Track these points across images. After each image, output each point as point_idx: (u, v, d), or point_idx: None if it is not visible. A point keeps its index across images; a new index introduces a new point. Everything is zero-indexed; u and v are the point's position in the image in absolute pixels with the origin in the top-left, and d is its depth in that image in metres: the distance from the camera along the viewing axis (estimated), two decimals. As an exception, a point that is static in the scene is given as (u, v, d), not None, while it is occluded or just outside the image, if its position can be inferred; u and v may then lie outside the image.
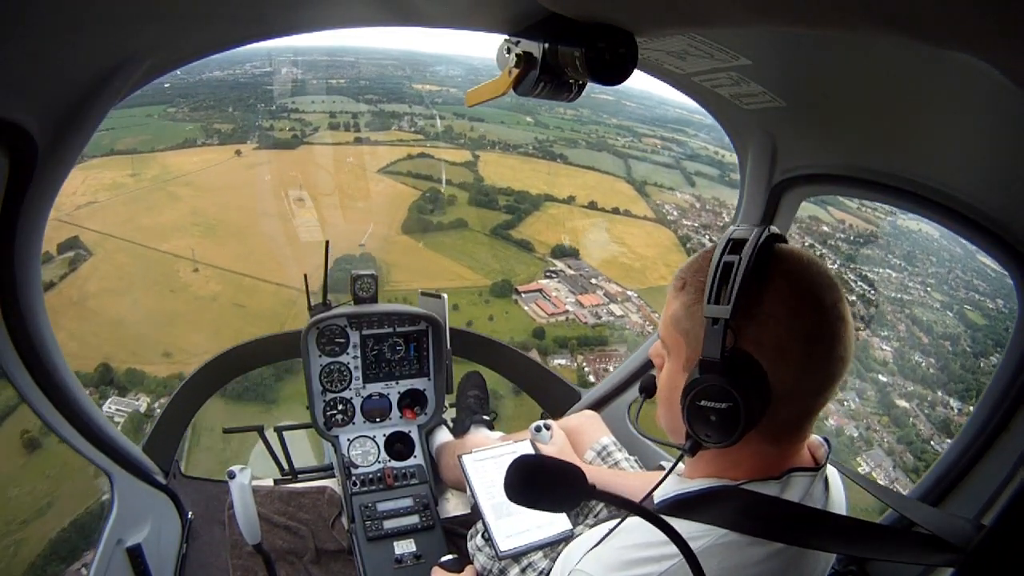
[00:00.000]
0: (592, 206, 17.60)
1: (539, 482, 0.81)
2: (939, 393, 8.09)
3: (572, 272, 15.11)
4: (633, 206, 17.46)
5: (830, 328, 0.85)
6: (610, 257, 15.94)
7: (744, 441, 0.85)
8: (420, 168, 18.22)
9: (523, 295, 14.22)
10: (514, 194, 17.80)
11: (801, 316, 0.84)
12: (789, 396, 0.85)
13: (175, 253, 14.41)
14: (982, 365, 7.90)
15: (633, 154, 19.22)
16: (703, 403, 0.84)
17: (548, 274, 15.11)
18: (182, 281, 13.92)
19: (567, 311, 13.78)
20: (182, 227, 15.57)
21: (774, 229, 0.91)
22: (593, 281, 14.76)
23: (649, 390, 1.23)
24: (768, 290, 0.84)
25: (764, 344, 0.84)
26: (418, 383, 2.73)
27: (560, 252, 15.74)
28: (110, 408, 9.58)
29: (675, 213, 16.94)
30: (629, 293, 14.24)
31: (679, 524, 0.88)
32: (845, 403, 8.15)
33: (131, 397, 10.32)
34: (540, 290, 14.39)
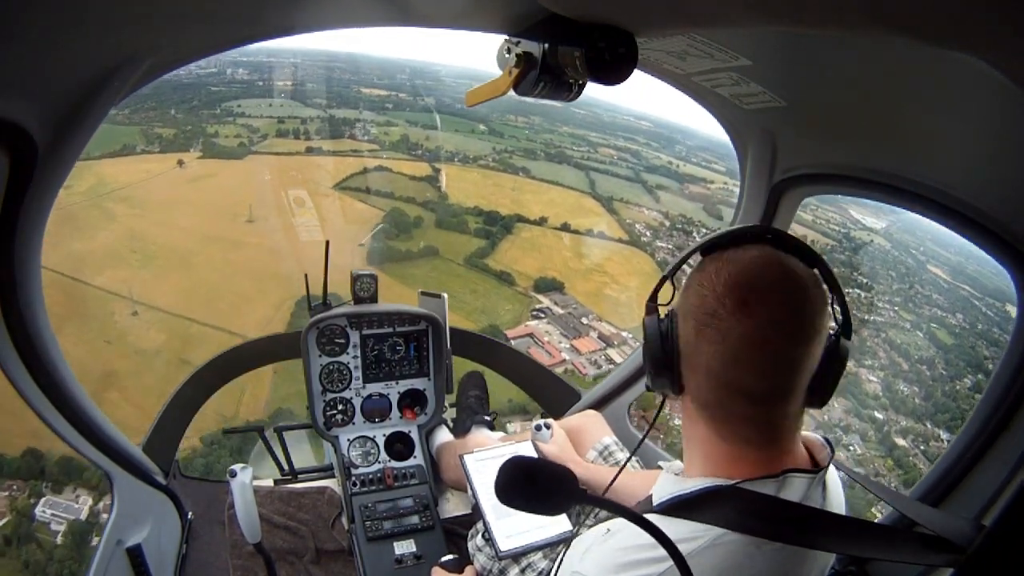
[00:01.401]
0: (566, 227, 16.43)
1: (528, 485, 0.81)
2: (928, 426, 8.05)
3: (561, 311, 13.61)
4: (606, 226, 16.35)
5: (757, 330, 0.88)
6: (595, 289, 14.83)
7: (729, 440, 0.92)
8: (379, 184, 16.53)
9: (514, 342, 12.16)
10: (484, 214, 16.41)
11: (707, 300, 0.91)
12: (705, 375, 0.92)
13: (110, 290, 11.95)
14: (958, 388, 7.89)
15: (593, 166, 18.36)
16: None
17: (535, 314, 13.57)
18: (119, 328, 11.43)
19: (564, 359, 12.17)
20: (118, 254, 13.30)
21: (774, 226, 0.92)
22: (584, 321, 13.33)
23: None
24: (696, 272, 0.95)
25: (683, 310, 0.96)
26: (418, 383, 2.73)
27: (544, 285, 14.25)
28: (44, 513, 7.12)
29: (648, 233, 16.00)
30: (624, 334, 12.83)
31: (678, 524, 0.88)
32: (851, 448, 8.02)
33: (68, 495, 7.45)
34: (531, 335, 12.85)
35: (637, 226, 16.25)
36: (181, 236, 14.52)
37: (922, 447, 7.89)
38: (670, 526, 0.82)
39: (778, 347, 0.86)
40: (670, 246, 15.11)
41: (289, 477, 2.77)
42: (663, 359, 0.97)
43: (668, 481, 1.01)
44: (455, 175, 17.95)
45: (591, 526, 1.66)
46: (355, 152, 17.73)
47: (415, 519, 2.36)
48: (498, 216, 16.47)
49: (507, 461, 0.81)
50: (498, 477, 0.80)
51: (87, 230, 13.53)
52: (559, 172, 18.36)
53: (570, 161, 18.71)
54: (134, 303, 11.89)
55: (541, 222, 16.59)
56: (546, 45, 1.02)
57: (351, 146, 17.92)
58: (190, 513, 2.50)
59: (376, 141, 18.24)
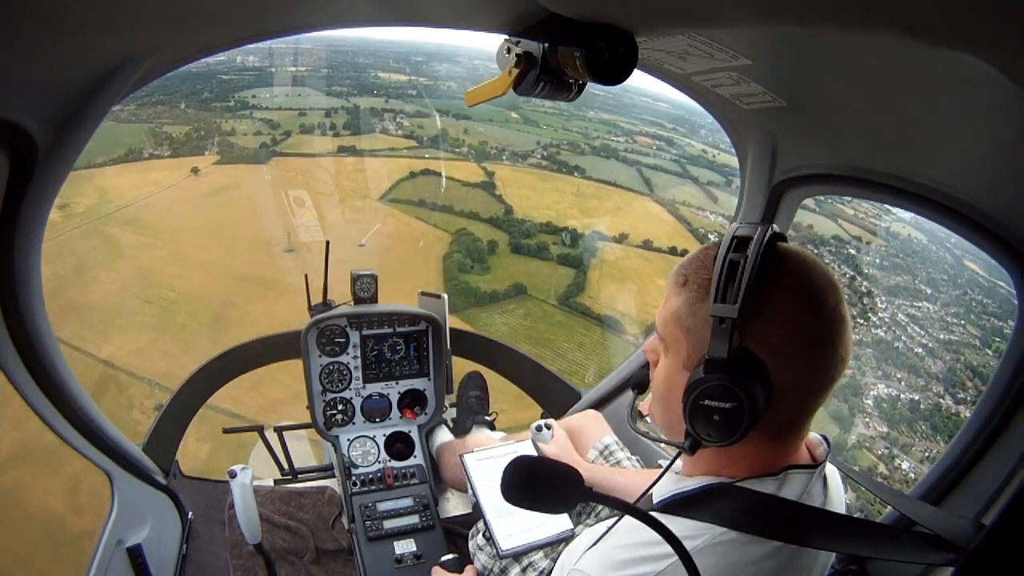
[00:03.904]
0: (647, 245, 13.79)
1: (535, 483, 0.82)
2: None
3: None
4: (683, 241, 13.90)
5: (832, 328, 0.85)
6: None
7: (743, 439, 0.86)
8: (431, 194, 13.74)
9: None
10: (559, 231, 14.11)
11: (804, 316, 0.85)
12: (789, 395, 0.86)
13: (123, 367, 8.42)
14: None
15: (639, 160, 16.53)
16: (707, 402, 0.84)
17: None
18: (140, 431, 4.79)
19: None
20: (127, 309, 9.96)
21: (775, 228, 0.91)
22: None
23: (641, 386, 1.24)
24: (773, 289, 0.84)
25: (767, 343, 0.84)
26: (418, 383, 2.73)
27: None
28: None
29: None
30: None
31: (678, 523, 0.88)
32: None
33: None
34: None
35: (711, 236, 14.13)
36: (205, 277, 11.17)
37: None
38: (671, 524, 0.82)
39: (846, 334, 0.86)
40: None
41: (289, 477, 2.77)
42: (752, 415, 0.83)
43: (668, 479, 1.01)
44: (510, 178, 15.54)
45: (591, 525, 1.67)
46: (393, 151, 15.05)
47: (415, 519, 2.37)
48: (576, 234, 14.45)
49: (512, 461, 0.81)
50: (503, 477, 0.81)
51: (87, 270, 10.35)
52: (610, 169, 16.41)
53: (616, 155, 16.87)
54: (155, 387, 8.32)
55: (621, 239, 14.16)
56: (546, 45, 1.02)
57: (386, 143, 15.14)
58: (190, 513, 2.50)
59: (412, 136, 15.77)
